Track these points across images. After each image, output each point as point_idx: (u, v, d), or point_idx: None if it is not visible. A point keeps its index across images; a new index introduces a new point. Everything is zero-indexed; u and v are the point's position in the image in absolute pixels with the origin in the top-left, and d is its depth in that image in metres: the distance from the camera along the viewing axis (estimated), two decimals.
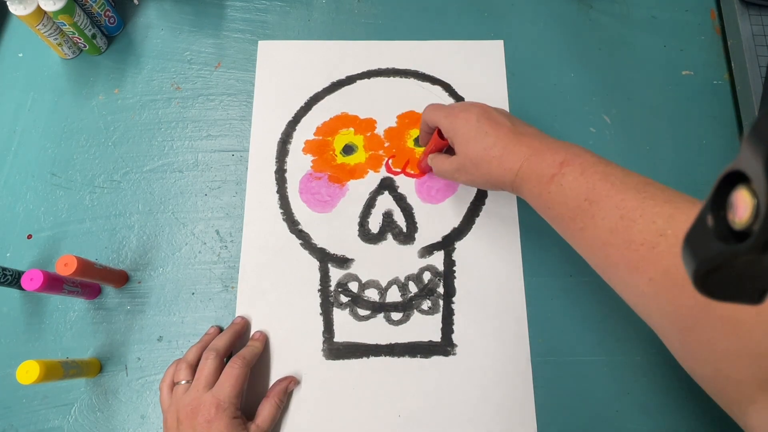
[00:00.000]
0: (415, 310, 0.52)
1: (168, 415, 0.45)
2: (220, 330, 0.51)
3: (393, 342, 0.51)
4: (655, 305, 0.34)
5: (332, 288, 0.53)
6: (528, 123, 0.46)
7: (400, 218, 0.55)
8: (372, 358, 0.51)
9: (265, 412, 0.46)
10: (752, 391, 0.29)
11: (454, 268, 0.53)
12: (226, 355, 0.48)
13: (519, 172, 0.42)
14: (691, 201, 0.34)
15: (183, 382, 0.46)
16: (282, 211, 0.56)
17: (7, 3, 0.53)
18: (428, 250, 0.54)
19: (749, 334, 0.29)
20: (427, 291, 0.53)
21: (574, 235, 0.39)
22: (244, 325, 0.51)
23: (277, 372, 0.50)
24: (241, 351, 0.48)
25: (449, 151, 0.49)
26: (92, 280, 0.51)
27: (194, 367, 0.47)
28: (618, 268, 0.36)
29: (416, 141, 0.58)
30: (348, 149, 0.58)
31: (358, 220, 0.55)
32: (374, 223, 0.55)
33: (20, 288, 0.48)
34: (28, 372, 0.43)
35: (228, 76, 0.61)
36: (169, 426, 0.44)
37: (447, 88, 0.60)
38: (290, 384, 0.49)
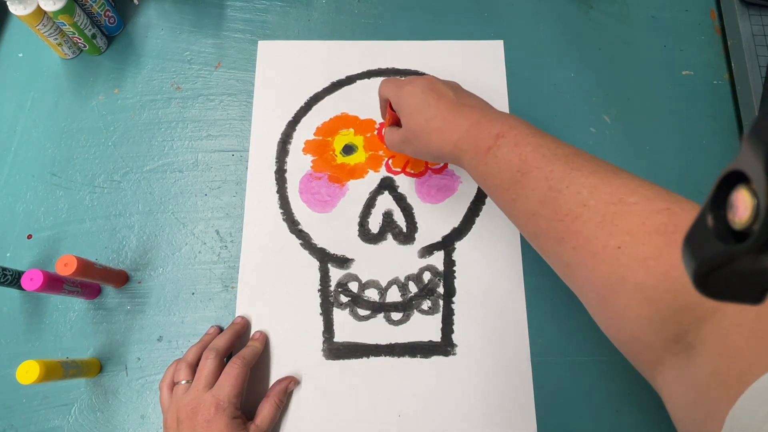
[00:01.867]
0: (415, 310, 0.52)
1: (168, 415, 0.45)
2: (221, 330, 0.51)
3: (393, 342, 0.51)
4: (578, 274, 0.35)
5: (332, 288, 0.53)
6: (474, 95, 0.47)
7: (400, 218, 0.55)
8: (372, 358, 0.51)
9: (264, 412, 0.46)
10: (660, 353, 0.31)
11: (454, 268, 0.53)
12: (226, 355, 0.48)
13: (457, 144, 0.42)
14: (615, 171, 0.35)
15: (183, 382, 0.46)
16: (282, 211, 0.56)
17: (7, 3, 0.53)
18: (428, 250, 0.54)
19: (658, 301, 0.30)
20: (427, 291, 0.53)
21: (506, 206, 0.40)
22: (244, 325, 0.51)
23: (277, 372, 0.50)
24: (241, 351, 0.48)
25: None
26: (92, 280, 0.51)
27: (194, 367, 0.47)
28: (547, 238, 0.36)
29: None
30: (348, 149, 0.58)
31: (358, 220, 0.55)
32: (374, 223, 0.55)
33: (20, 288, 0.48)
34: (28, 372, 0.43)
35: (228, 76, 0.61)
36: (169, 426, 0.44)
37: None
38: (290, 384, 0.49)
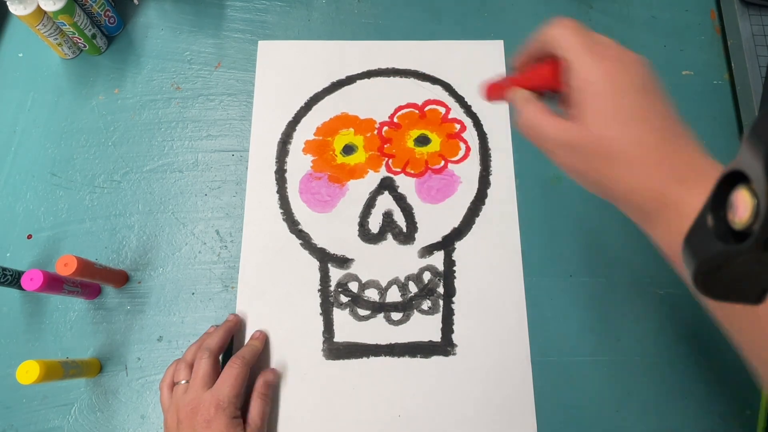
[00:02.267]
0: (415, 310, 0.52)
1: (168, 414, 0.45)
2: None
3: (393, 342, 0.51)
4: None
5: (332, 288, 0.53)
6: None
7: (400, 218, 0.55)
8: (372, 358, 0.51)
9: (254, 410, 0.46)
10: None
11: (454, 268, 0.53)
12: (221, 353, 0.48)
13: (668, 197, 0.27)
14: None
15: (183, 381, 0.46)
16: (282, 211, 0.56)
17: (7, 3, 0.53)
18: (428, 250, 0.54)
19: None
20: (427, 291, 0.53)
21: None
22: (237, 323, 0.51)
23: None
24: (241, 350, 0.48)
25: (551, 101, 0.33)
26: (92, 280, 0.51)
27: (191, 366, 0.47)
28: None
29: (417, 141, 0.58)
30: (348, 149, 0.58)
31: (358, 220, 0.55)
32: (374, 223, 0.55)
33: (20, 288, 0.48)
34: (28, 372, 0.43)
35: (228, 76, 0.61)
36: (169, 426, 0.44)
37: (447, 88, 0.60)
38: (268, 376, 0.48)
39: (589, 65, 0.29)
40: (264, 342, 0.50)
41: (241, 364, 0.46)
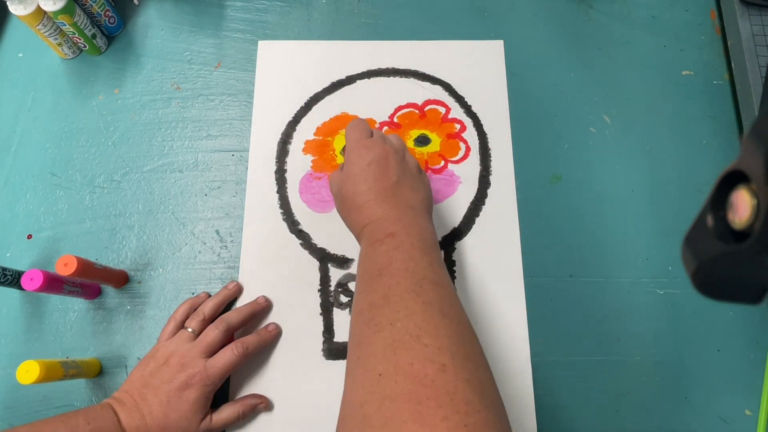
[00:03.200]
0: None
1: (162, 348, 0.46)
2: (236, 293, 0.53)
3: None
4: (345, 383, 0.35)
5: (332, 288, 0.53)
6: (424, 184, 0.46)
7: None
8: None
9: (224, 414, 0.46)
10: None
11: (454, 268, 0.53)
12: (237, 330, 0.49)
13: (364, 230, 0.43)
14: (445, 314, 0.35)
15: (190, 330, 0.47)
16: (282, 211, 0.56)
17: (7, 3, 0.53)
18: None
19: None
20: None
21: (355, 295, 0.40)
22: (266, 307, 0.52)
23: (276, 372, 0.50)
24: (248, 338, 0.48)
25: None
26: (92, 280, 0.51)
27: (207, 323, 0.48)
28: (353, 336, 0.37)
29: (417, 141, 0.58)
30: None
31: None
32: None
33: (20, 288, 0.48)
34: (28, 372, 0.43)
35: (228, 76, 0.61)
36: (157, 358, 0.45)
37: (447, 88, 0.60)
38: (261, 405, 0.48)
39: (351, 148, 0.46)
40: (274, 337, 0.50)
41: (242, 353, 0.46)
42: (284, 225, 0.55)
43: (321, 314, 0.52)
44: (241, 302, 0.52)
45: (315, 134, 0.58)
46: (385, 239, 0.40)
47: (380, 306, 0.36)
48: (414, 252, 0.39)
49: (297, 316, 0.52)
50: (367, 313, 0.36)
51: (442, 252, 0.54)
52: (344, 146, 0.57)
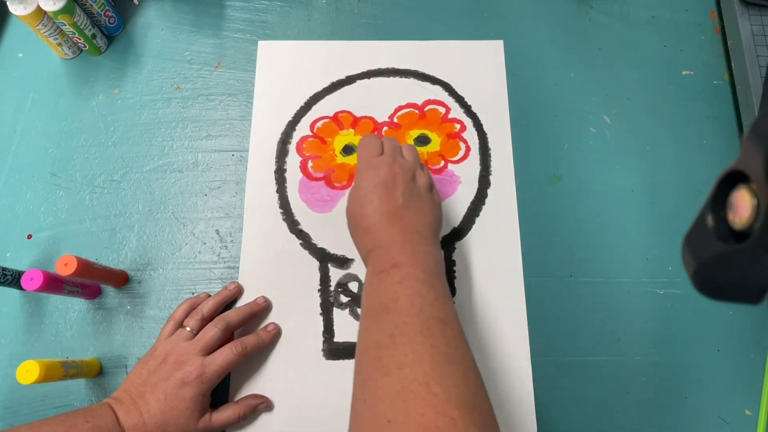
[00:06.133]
0: None
1: (160, 347, 0.46)
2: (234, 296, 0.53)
3: None
4: (351, 423, 0.35)
5: (332, 288, 0.53)
6: (431, 203, 0.46)
7: None
8: None
9: (225, 415, 0.46)
10: None
11: (454, 268, 0.53)
12: (236, 329, 0.49)
13: (369, 254, 0.44)
14: (453, 358, 0.35)
15: (188, 328, 0.47)
16: (282, 211, 0.56)
17: (7, 3, 0.53)
18: None
19: None
20: None
21: (360, 330, 0.40)
22: (265, 308, 0.52)
23: (276, 372, 0.50)
24: (247, 338, 0.48)
25: None
26: (92, 280, 0.51)
27: (206, 322, 0.48)
28: (359, 377, 0.37)
29: (417, 141, 0.58)
30: (348, 149, 0.58)
31: None
32: None
33: (20, 288, 0.48)
34: (28, 372, 0.43)
35: (228, 76, 0.61)
36: (156, 357, 0.45)
37: (447, 88, 0.60)
38: (261, 405, 0.48)
39: (360, 167, 0.47)
40: (273, 338, 0.50)
41: (240, 352, 0.46)
42: (284, 225, 0.55)
43: (321, 314, 0.52)
44: (241, 302, 0.52)
45: (315, 134, 0.58)
46: (390, 270, 0.40)
47: (387, 346, 0.36)
48: (420, 286, 0.39)
49: (297, 316, 0.52)
50: (374, 353, 0.36)
51: (442, 252, 0.54)
52: (344, 146, 0.58)
